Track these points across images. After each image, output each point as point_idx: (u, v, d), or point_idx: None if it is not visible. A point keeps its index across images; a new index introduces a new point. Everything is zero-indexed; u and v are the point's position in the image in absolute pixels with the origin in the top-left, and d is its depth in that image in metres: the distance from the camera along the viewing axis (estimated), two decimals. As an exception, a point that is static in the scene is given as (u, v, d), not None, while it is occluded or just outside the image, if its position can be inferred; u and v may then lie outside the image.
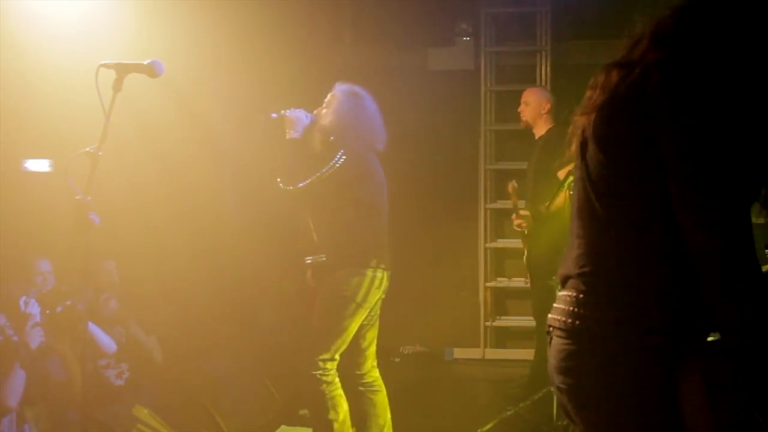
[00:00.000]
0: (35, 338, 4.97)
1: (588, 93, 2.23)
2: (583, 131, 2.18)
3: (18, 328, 5.03)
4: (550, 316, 2.20)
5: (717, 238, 1.89)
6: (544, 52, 8.11)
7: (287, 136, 4.71)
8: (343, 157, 4.58)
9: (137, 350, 5.68)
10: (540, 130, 6.60)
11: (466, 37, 8.21)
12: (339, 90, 4.83)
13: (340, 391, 4.71)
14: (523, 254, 6.57)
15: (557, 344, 2.13)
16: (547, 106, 6.57)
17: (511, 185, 6.50)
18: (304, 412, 6.03)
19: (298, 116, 4.74)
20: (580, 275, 2.12)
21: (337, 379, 4.72)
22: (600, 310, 2.06)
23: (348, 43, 8.26)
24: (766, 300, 1.87)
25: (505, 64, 8.36)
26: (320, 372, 4.62)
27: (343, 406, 4.70)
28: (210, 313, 6.29)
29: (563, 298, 2.16)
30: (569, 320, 2.10)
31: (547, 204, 6.10)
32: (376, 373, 4.97)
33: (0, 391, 4.78)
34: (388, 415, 4.96)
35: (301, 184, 4.58)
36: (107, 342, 5.60)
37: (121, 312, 5.61)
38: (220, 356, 6.15)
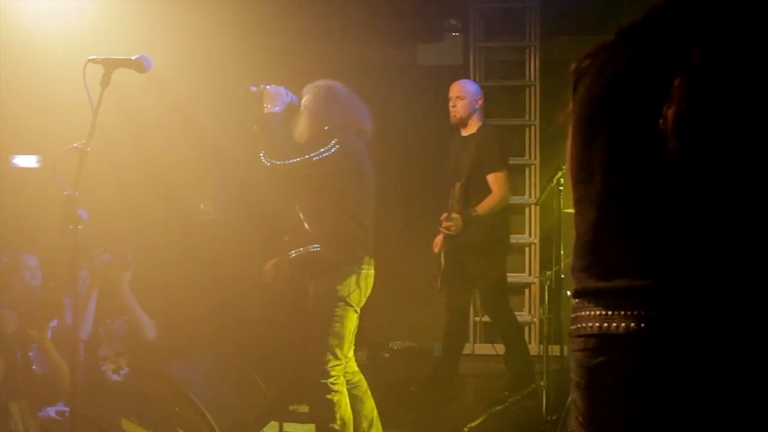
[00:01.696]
0: (9, 324, 4.97)
1: None
2: None
3: None
4: None
5: None
6: (533, 48, 8.14)
7: (265, 110, 4.61)
8: (337, 146, 4.54)
9: (133, 323, 5.62)
10: (471, 127, 6.26)
11: (455, 32, 8.22)
12: (314, 86, 4.80)
13: (347, 400, 4.70)
14: (440, 255, 6.23)
15: None
16: (480, 101, 6.27)
17: (457, 186, 6.01)
18: (294, 407, 6.04)
19: (278, 91, 4.66)
20: None
21: (345, 387, 4.71)
22: None
23: (337, 39, 8.26)
24: None
25: (494, 60, 8.37)
26: (331, 380, 4.60)
27: (348, 413, 4.68)
28: (197, 308, 6.28)
29: None
30: None
31: (474, 208, 6.02)
32: (357, 369, 4.95)
33: None
34: (375, 410, 4.95)
35: (287, 161, 4.51)
36: (148, 324, 5.61)
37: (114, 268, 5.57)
38: (208, 352, 6.14)
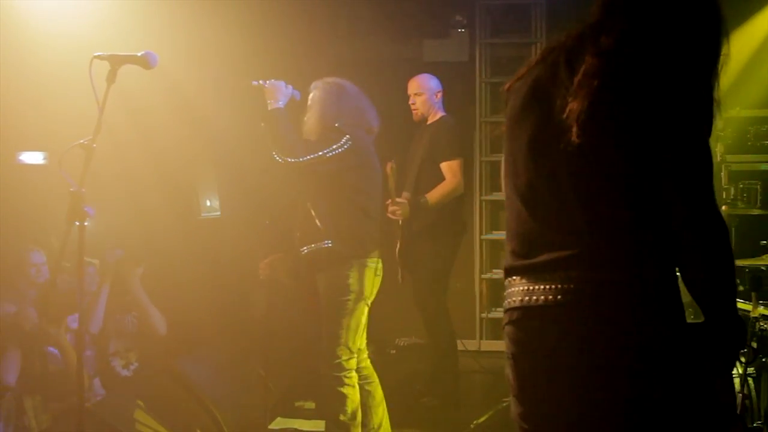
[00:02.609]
0: (28, 320, 4.99)
1: None
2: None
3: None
4: None
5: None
6: (539, 44, 8.11)
7: (269, 107, 4.60)
8: (349, 142, 4.56)
9: (143, 318, 5.63)
10: (432, 118, 6.22)
11: (461, 28, 8.21)
12: (323, 83, 4.80)
13: (358, 394, 4.70)
14: (396, 245, 6.08)
15: None
16: (439, 95, 6.21)
17: (390, 165, 5.78)
18: (300, 404, 6.04)
19: (278, 86, 4.64)
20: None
21: (356, 382, 4.71)
22: None
23: (343, 36, 8.25)
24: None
25: (500, 56, 8.35)
26: (344, 373, 4.61)
27: (358, 407, 4.69)
28: (204, 304, 6.28)
29: None
30: None
31: (425, 195, 5.96)
32: (369, 364, 4.95)
33: None
34: (385, 406, 4.95)
35: (301, 159, 4.51)
36: (159, 320, 5.62)
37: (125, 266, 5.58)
38: (215, 349, 6.14)
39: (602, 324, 2.10)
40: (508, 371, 2.30)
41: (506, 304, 2.29)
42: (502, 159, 2.43)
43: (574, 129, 2.12)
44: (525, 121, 2.30)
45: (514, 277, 2.27)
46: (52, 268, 5.62)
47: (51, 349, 5.07)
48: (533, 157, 2.26)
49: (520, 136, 2.31)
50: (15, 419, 4.87)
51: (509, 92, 2.40)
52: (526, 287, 2.21)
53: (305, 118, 4.75)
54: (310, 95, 4.78)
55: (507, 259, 2.34)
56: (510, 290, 2.28)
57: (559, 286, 2.14)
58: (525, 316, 2.22)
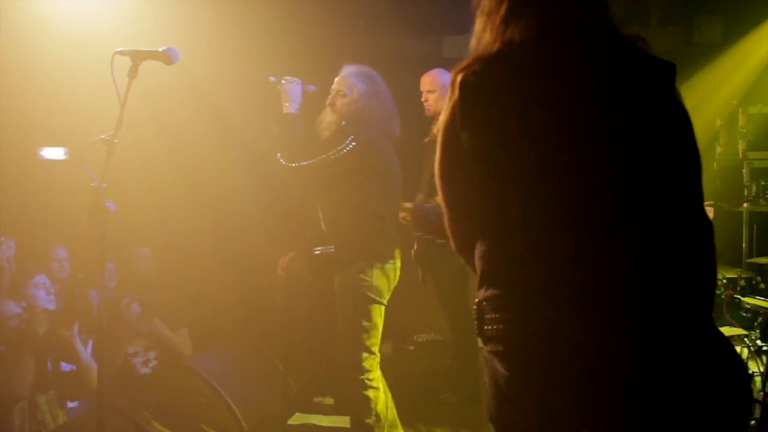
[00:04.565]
0: (42, 325, 5.02)
1: None
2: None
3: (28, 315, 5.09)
4: None
5: None
6: (559, 39, 8.07)
7: (284, 110, 4.60)
8: (353, 143, 4.49)
9: (163, 344, 5.71)
10: None
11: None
12: (350, 74, 4.71)
13: (383, 395, 4.68)
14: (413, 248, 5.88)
15: None
16: None
17: None
18: (319, 399, 6.05)
19: (295, 90, 4.63)
20: None
21: (381, 383, 4.68)
22: None
23: (362, 32, 8.24)
24: None
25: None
26: (367, 375, 4.59)
27: (383, 408, 4.66)
28: (224, 300, 6.30)
29: None
30: None
31: (435, 199, 5.85)
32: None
33: (11, 379, 4.82)
34: (391, 399, 4.89)
35: (304, 162, 4.49)
36: (183, 344, 5.71)
37: (144, 313, 5.65)
38: (234, 344, 6.16)
39: None
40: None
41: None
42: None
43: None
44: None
45: (484, 305, 2.27)
46: (74, 263, 5.67)
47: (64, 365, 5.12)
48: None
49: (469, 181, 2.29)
50: (30, 416, 4.90)
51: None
52: (488, 315, 2.24)
53: (331, 105, 4.70)
54: (346, 81, 4.71)
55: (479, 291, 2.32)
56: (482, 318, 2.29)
57: (503, 315, 2.20)
58: (485, 343, 2.26)
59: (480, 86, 2.23)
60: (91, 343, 5.25)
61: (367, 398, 4.58)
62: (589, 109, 2.13)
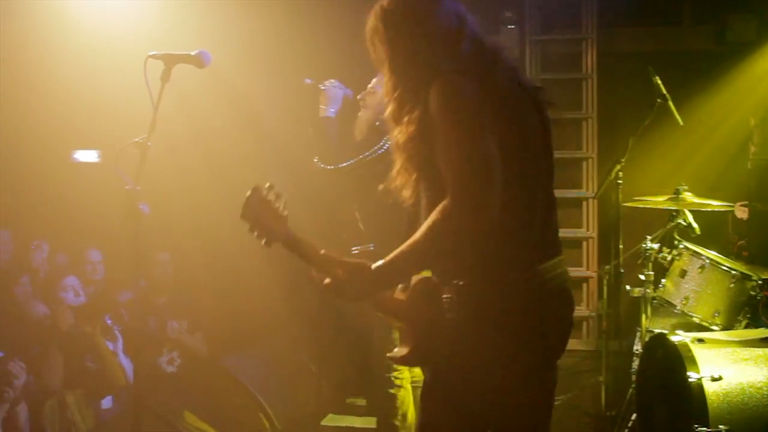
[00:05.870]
0: (65, 320, 5.07)
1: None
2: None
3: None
4: None
5: None
6: (590, 40, 8.04)
7: (321, 113, 4.61)
8: (388, 143, 4.50)
9: (182, 346, 5.76)
10: None
11: (511, 25, 8.15)
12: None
13: (410, 396, 4.67)
14: None
15: None
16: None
17: None
18: (351, 401, 6.05)
19: (336, 94, 4.64)
20: None
21: (409, 384, 4.67)
22: None
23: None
24: None
25: (550, 53, 8.28)
26: (395, 373, 4.58)
27: (409, 409, 4.64)
28: (258, 301, 6.31)
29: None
30: None
31: None
32: None
33: (41, 374, 4.88)
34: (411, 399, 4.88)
35: (342, 164, 4.50)
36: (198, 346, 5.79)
37: (158, 319, 5.71)
38: (266, 344, 6.18)
39: None
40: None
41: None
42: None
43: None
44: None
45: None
46: (108, 265, 5.71)
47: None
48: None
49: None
50: (59, 415, 4.95)
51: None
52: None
53: (362, 101, 4.68)
54: (379, 79, 4.69)
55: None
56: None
57: None
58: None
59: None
60: (120, 340, 5.28)
61: (394, 397, 4.58)
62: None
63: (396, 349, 2.82)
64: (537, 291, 2.64)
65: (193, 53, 3.57)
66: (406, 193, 2.78)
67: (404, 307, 2.82)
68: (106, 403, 5.17)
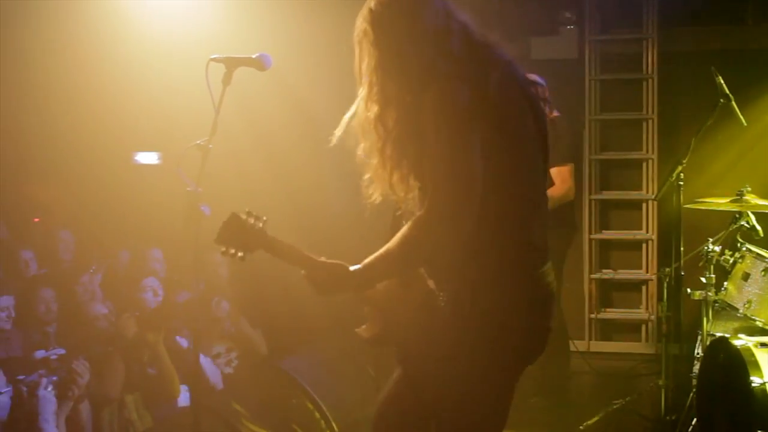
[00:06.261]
0: (130, 329, 5.15)
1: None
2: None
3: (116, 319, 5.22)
4: None
5: None
6: (650, 40, 7.96)
7: None
8: None
9: (245, 343, 5.80)
10: None
11: (570, 25, 8.11)
12: None
13: None
14: None
15: None
16: (546, 93, 5.97)
17: None
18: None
19: None
20: None
21: None
22: None
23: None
24: None
25: (610, 53, 8.21)
26: None
27: None
28: (315, 302, 6.33)
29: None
30: None
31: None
32: None
33: (103, 380, 4.95)
34: None
35: None
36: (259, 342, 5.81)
37: (233, 312, 5.74)
38: (325, 346, 6.20)
39: None
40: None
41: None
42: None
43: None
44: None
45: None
46: (170, 266, 5.77)
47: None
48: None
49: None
50: (118, 415, 5.02)
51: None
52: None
53: None
54: None
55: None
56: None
57: None
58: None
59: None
60: (186, 343, 5.35)
61: None
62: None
63: (363, 326, 2.90)
64: (533, 296, 2.73)
65: (254, 56, 3.59)
66: (400, 192, 2.86)
67: (378, 293, 2.95)
68: (183, 400, 5.23)
